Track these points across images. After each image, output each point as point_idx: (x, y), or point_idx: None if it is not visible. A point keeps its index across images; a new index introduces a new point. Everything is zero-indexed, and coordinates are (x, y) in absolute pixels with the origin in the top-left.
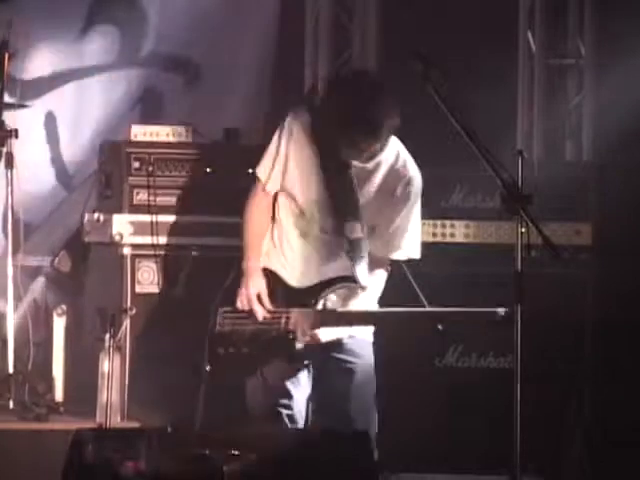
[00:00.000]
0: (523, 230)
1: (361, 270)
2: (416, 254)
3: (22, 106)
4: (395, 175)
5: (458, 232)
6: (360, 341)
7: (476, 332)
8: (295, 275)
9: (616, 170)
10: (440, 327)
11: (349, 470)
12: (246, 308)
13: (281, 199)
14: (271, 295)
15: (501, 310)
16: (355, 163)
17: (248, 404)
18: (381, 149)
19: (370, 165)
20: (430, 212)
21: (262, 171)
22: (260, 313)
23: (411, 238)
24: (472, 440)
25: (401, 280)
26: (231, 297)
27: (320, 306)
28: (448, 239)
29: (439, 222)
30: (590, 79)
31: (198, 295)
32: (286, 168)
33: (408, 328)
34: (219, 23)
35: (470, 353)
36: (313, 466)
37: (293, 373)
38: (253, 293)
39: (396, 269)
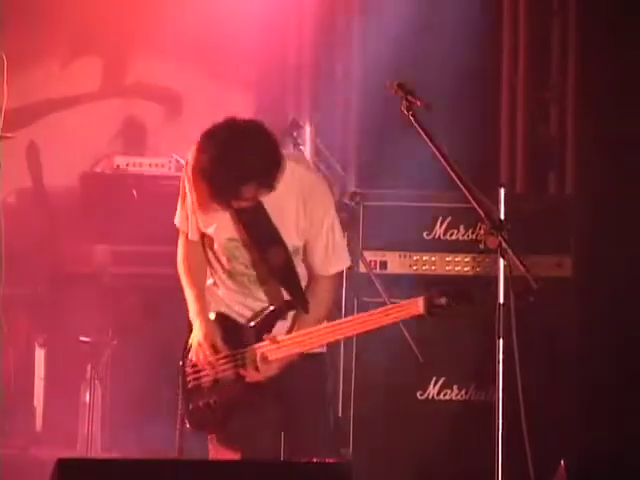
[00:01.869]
0: (505, 262)
1: (297, 293)
2: (348, 262)
3: (5, 137)
4: (305, 196)
5: (439, 264)
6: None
7: (458, 364)
8: (241, 314)
9: (597, 203)
10: (420, 357)
11: None
12: (208, 360)
13: (207, 242)
14: (228, 338)
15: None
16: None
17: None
18: (266, 193)
19: (274, 197)
20: (412, 244)
21: (180, 222)
22: (221, 362)
23: (343, 247)
24: (454, 472)
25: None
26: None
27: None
28: (429, 271)
29: (421, 254)
30: (573, 112)
31: (179, 326)
32: (195, 214)
33: (385, 351)
34: (202, 54)
35: (451, 385)
36: None
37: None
38: (215, 342)
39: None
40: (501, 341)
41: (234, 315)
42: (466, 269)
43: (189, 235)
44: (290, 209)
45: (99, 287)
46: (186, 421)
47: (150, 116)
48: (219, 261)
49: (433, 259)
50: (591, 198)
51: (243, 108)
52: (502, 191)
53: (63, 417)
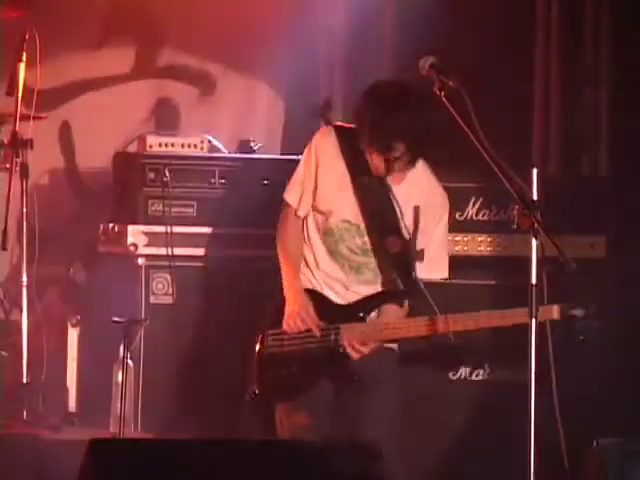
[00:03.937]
0: (537, 243)
1: (408, 282)
2: (444, 274)
3: (38, 117)
4: (428, 197)
5: (471, 245)
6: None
7: (490, 344)
8: (330, 292)
9: (631, 184)
10: (452, 337)
11: None
12: (300, 329)
13: (310, 218)
14: (318, 312)
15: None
16: (390, 185)
17: (281, 425)
18: (409, 165)
19: (404, 188)
20: None
21: (292, 198)
22: (317, 331)
23: (444, 258)
24: (487, 455)
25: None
26: (275, 320)
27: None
28: (462, 252)
29: (453, 235)
30: (607, 93)
31: (212, 306)
32: (316, 190)
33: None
34: (236, 35)
35: (484, 366)
36: (321, 477)
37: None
38: (309, 312)
39: None
40: (534, 321)
41: (324, 292)
42: (498, 249)
43: (298, 211)
44: (410, 205)
45: (132, 267)
46: (255, 388)
47: (183, 97)
48: (322, 241)
49: (465, 239)
50: (625, 179)
51: (275, 88)
52: (535, 172)
53: (96, 397)
